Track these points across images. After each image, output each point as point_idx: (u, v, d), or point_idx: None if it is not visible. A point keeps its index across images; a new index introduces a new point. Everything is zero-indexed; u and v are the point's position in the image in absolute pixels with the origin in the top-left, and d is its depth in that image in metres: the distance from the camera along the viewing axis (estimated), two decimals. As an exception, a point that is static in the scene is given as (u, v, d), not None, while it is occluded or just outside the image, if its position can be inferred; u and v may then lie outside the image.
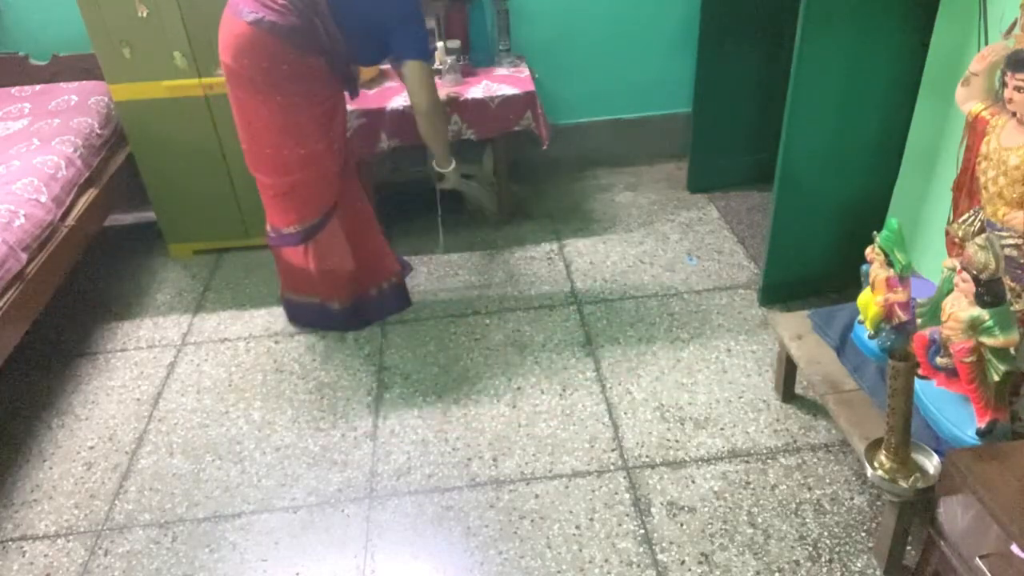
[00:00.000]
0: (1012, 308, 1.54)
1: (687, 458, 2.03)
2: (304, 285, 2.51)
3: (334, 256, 2.44)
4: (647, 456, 2.05)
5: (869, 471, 1.60)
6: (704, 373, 2.30)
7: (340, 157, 2.34)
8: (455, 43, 2.94)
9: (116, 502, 2.02)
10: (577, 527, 1.87)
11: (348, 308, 2.54)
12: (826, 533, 1.82)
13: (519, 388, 2.29)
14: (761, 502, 1.90)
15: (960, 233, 1.75)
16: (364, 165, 2.79)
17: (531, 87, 2.83)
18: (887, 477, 1.57)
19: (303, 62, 2.11)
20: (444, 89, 2.74)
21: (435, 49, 2.83)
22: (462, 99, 2.75)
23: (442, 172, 2.47)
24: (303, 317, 2.60)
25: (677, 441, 2.09)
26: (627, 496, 1.94)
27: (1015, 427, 1.57)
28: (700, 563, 1.77)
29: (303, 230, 2.37)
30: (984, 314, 1.47)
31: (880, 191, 2.39)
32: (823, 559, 1.76)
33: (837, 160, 2.29)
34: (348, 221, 2.43)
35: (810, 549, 1.78)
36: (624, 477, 1.99)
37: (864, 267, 1.86)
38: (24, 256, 2.22)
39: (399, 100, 2.71)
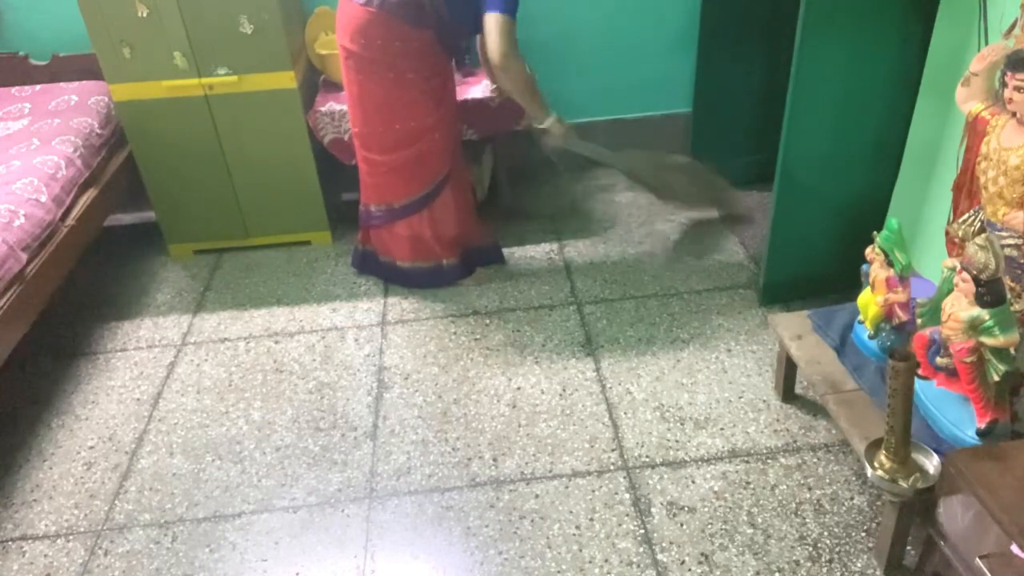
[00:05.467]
0: (1012, 308, 1.54)
1: (687, 458, 2.03)
2: (420, 252, 2.67)
3: (447, 221, 2.63)
4: (647, 456, 2.05)
5: (869, 471, 1.60)
6: (704, 373, 2.30)
7: (453, 128, 2.55)
8: (455, 43, 2.94)
9: (116, 502, 2.02)
10: (577, 527, 1.87)
11: (458, 263, 2.72)
12: (826, 533, 1.82)
13: (519, 388, 2.29)
14: (761, 502, 1.90)
15: (960, 233, 1.75)
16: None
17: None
18: (887, 477, 1.57)
19: (414, 36, 2.28)
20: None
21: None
22: (462, 99, 2.75)
23: (540, 128, 2.46)
24: (417, 281, 2.73)
25: (677, 441, 2.09)
26: (627, 496, 1.94)
27: (1015, 427, 1.57)
28: (700, 563, 1.77)
29: (418, 199, 2.55)
30: (984, 314, 1.47)
31: (880, 191, 2.39)
32: (823, 559, 1.76)
33: (837, 160, 2.29)
34: (458, 188, 2.63)
35: (810, 549, 1.78)
36: (624, 477, 1.99)
37: (864, 267, 1.86)
38: (24, 256, 2.22)
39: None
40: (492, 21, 2.27)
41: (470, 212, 2.74)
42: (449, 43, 2.39)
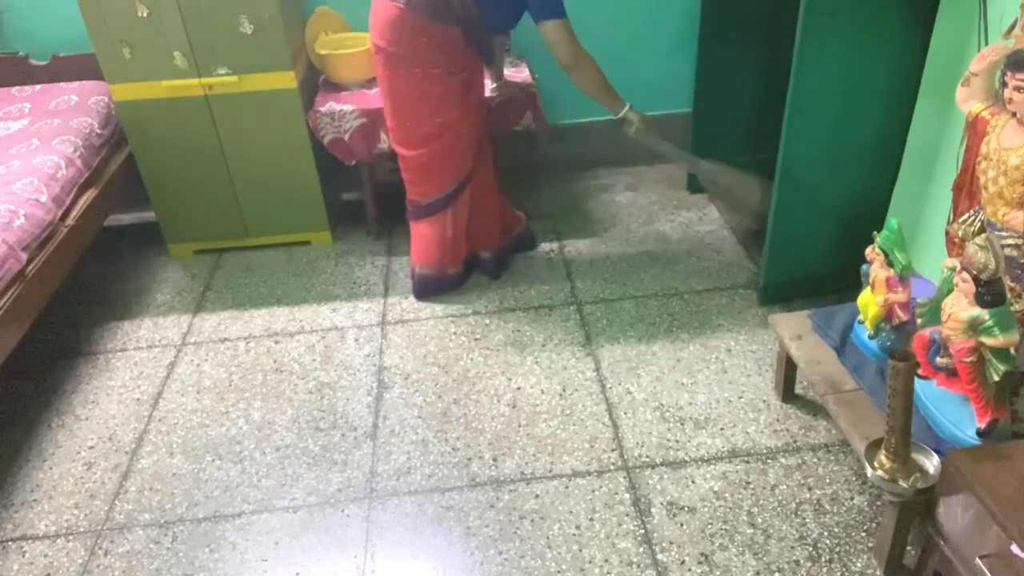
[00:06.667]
0: (1012, 308, 1.54)
1: (687, 458, 2.03)
2: (434, 254, 2.64)
3: (463, 222, 2.63)
4: (647, 456, 2.05)
5: (869, 471, 1.60)
6: (704, 373, 2.30)
7: (477, 126, 2.53)
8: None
9: (116, 502, 2.02)
10: (577, 527, 1.87)
11: (462, 272, 2.72)
12: (826, 533, 1.82)
13: (519, 388, 2.29)
14: (761, 502, 1.90)
15: (960, 233, 1.75)
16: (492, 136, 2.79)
17: (532, 87, 2.83)
18: (887, 477, 1.57)
19: (441, 34, 2.30)
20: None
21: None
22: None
23: (618, 118, 2.45)
24: (433, 289, 2.70)
25: (677, 441, 2.09)
26: (627, 496, 1.94)
27: (1015, 427, 1.57)
28: (700, 563, 1.77)
29: (444, 197, 2.54)
30: (984, 314, 1.47)
31: (880, 191, 2.39)
32: (823, 559, 1.76)
33: (837, 160, 2.29)
34: (475, 190, 2.60)
35: (810, 549, 1.78)
36: (624, 477, 1.99)
37: (864, 267, 1.86)
38: (24, 256, 2.22)
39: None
40: (551, 29, 2.29)
41: (490, 212, 2.71)
42: (476, 40, 2.39)
